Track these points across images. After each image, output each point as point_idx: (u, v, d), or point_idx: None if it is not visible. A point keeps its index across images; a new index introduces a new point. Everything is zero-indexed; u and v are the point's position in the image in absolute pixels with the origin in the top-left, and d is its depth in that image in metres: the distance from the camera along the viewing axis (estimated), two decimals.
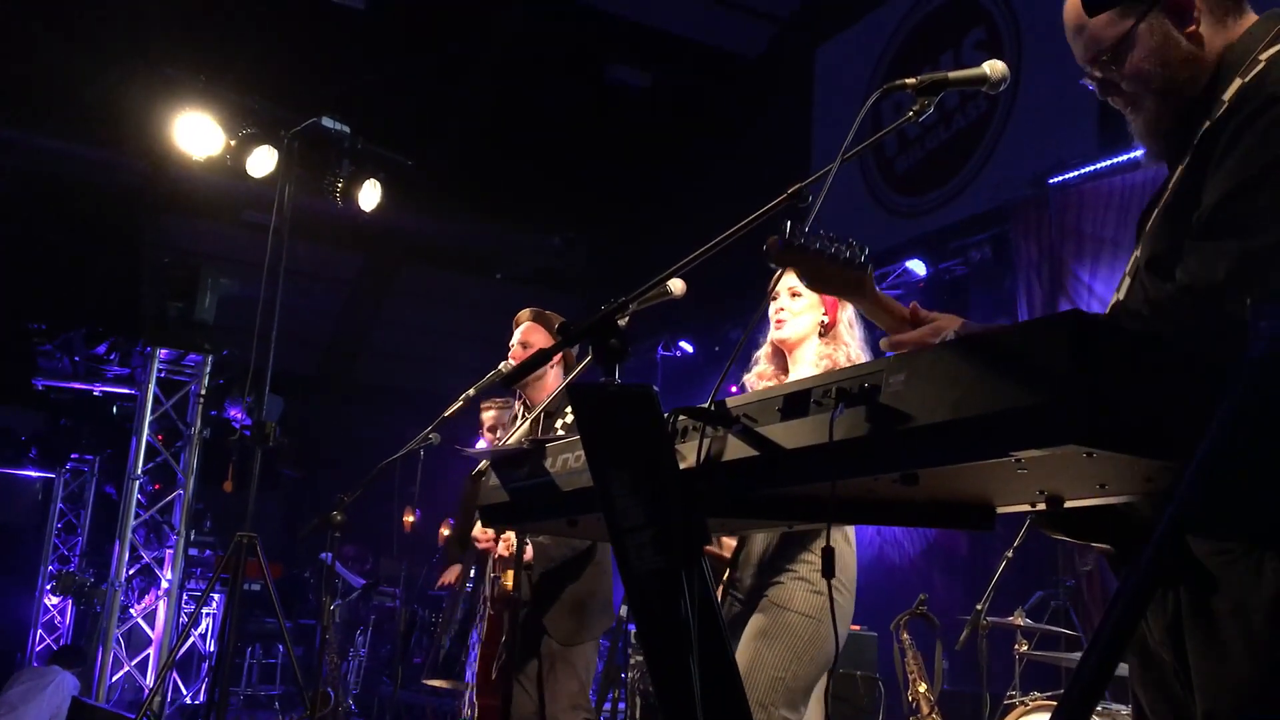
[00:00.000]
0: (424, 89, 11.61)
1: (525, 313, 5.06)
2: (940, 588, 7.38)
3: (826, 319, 3.89)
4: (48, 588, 10.74)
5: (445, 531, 13.48)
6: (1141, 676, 2.08)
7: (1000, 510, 1.94)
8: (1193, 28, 1.98)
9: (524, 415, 4.94)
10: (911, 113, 2.33)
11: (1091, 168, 7.64)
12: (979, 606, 5.22)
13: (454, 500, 12.55)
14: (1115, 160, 7.34)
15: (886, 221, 10.48)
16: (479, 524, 4.70)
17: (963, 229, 9.14)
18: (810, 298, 3.89)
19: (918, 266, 9.13)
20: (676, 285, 3.74)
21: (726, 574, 3.82)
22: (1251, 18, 2.02)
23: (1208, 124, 1.90)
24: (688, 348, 11.58)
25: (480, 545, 4.84)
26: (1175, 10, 1.98)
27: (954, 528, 2.04)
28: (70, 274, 10.88)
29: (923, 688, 5.05)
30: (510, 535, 4.62)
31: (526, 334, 4.97)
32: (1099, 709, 4.74)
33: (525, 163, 12.19)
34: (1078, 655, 4.92)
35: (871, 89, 11.01)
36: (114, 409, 9.62)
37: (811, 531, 3.54)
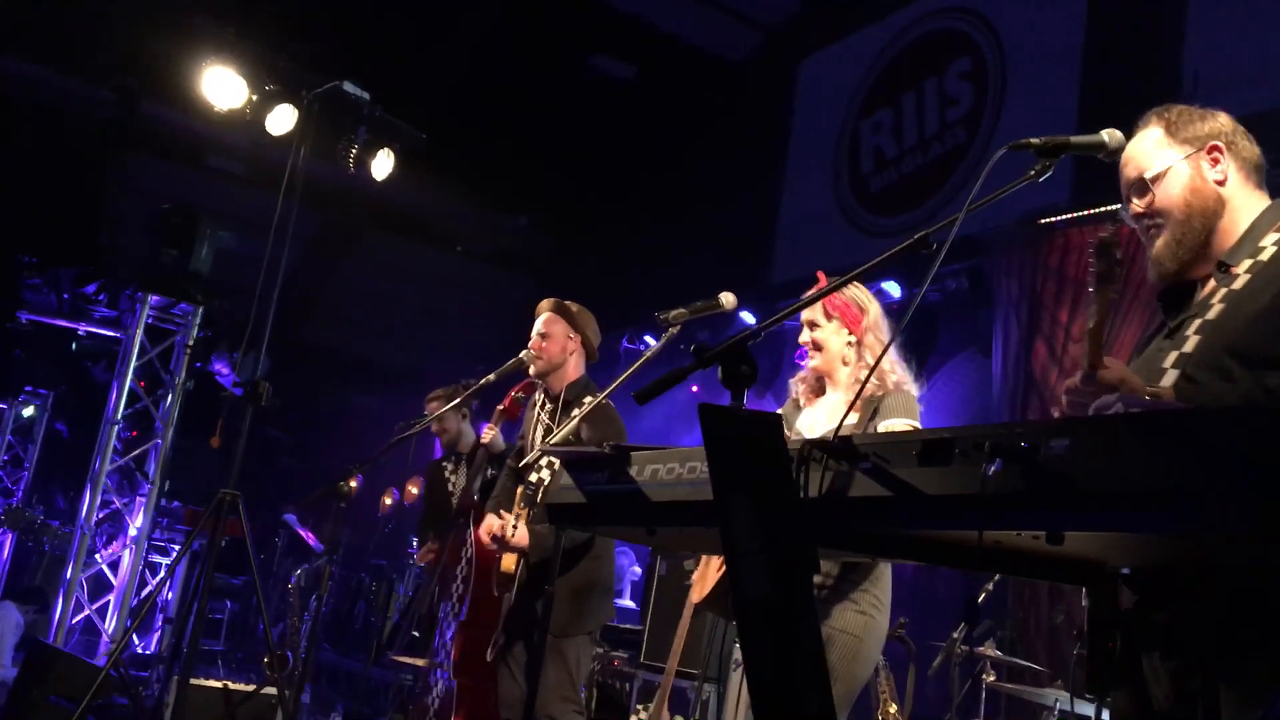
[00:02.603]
0: (405, 57, 11.50)
1: (546, 303, 5.02)
2: (916, 611, 7.49)
3: (853, 337, 3.94)
4: None
5: (388, 500, 13.46)
6: None
7: (1119, 570, 2.03)
8: (1221, 179, 2.48)
9: (542, 405, 4.96)
10: (1033, 172, 2.41)
11: (1077, 214, 7.75)
12: (954, 634, 5.37)
13: (398, 471, 12.54)
14: (1100, 210, 7.44)
15: (859, 240, 10.57)
16: (491, 520, 4.68)
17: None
18: (827, 324, 3.96)
19: (893, 288, 9.19)
20: (728, 299, 3.84)
21: None
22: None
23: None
24: (652, 342, 11.65)
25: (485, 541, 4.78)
26: (1211, 160, 2.49)
27: (1063, 582, 2.12)
28: (27, 209, 10.59)
29: (893, 709, 5.16)
30: (509, 517, 4.60)
31: (547, 324, 4.93)
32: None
33: (500, 142, 12.13)
34: (1046, 690, 5.08)
35: (853, 106, 11.20)
36: (73, 345, 9.40)
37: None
